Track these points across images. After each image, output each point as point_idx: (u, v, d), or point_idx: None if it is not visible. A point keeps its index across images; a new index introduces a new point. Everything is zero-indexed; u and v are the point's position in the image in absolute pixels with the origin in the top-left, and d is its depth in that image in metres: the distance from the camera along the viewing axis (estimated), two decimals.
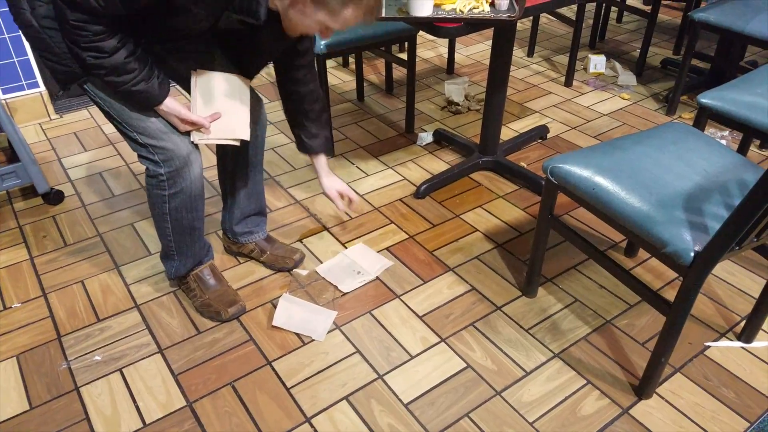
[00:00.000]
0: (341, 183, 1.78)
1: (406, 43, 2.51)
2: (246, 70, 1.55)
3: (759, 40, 2.38)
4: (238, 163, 1.75)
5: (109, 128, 2.70)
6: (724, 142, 2.58)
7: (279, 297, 1.81)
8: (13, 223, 2.16)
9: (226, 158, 1.75)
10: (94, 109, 2.89)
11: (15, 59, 2.59)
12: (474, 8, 1.67)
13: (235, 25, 1.36)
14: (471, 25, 1.68)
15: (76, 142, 2.67)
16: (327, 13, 1.25)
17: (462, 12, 1.66)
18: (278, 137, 2.68)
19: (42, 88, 2.74)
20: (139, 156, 1.49)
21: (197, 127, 1.48)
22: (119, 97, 1.41)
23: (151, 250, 2.02)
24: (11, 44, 2.53)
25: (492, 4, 1.68)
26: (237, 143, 1.54)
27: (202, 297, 1.75)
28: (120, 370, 1.61)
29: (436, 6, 1.68)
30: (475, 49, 3.57)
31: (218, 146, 1.76)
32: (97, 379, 1.58)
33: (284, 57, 1.58)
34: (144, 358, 1.64)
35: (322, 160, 1.76)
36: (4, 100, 2.67)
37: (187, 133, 1.50)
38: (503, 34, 2.14)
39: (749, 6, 2.55)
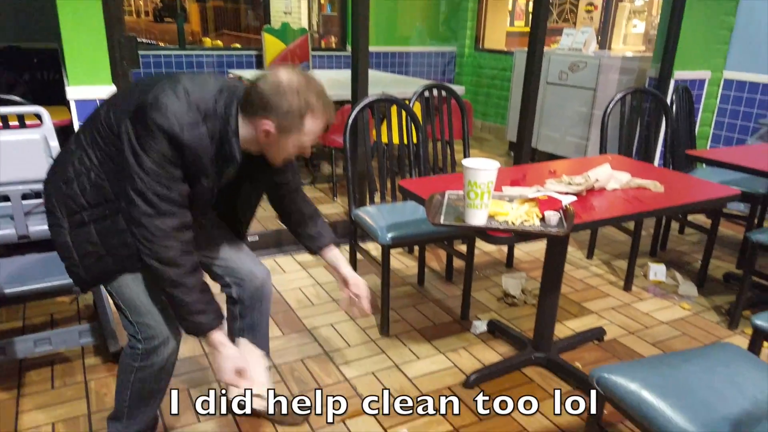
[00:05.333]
0: (364, 285, 1.85)
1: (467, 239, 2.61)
2: (239, 219, 1.84)
3: None
4: (246, 324, 1.94)
5: None
6: None
7: None
8: (80, 377, 2.24)
9: (237, 319, 1.93)
10: None
11: None
12: (525, 221, 1.74)
13: (230, 177, 1.59)
14: (521, 235, 1.74)
15: None
16: (294, 134, 1.46)
17: (513, 224, 1.72)
18: (337, 314, 2.77)
19: None
20: (127, 332, 1.63)
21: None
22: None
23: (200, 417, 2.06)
24: None
25: (542, 219, 1.75)
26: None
27: None
28: None
29: (490, 217, 1.75)
30: (536, 247, 3.57)
31: (228, 309, 1.91)
32: None
33: (270, 191, 1.82)
34: None
35: (335, 252, 1.88)
36: None
37: (171, 316, 1.60)
38: (556, 242, 2.23)
39: None
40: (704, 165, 3.75)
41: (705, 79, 4.34)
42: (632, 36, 6.99)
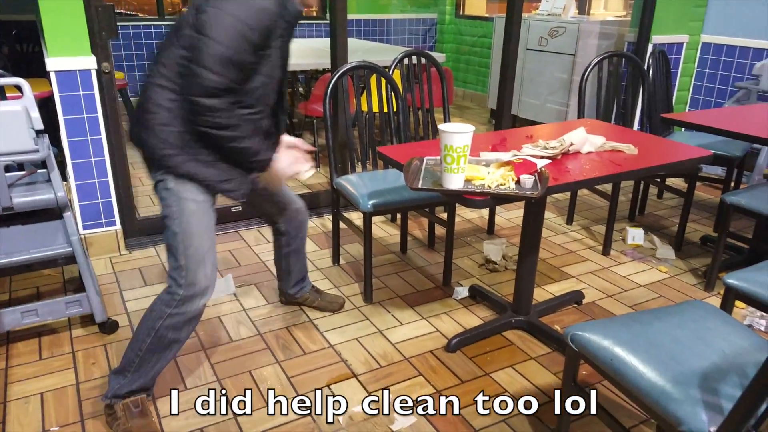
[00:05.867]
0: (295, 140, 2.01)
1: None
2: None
3: None
4: (292, 249, 2.29)
5: None
6: (764, 322, 2.49)
7: None
8: (68, 348, 2.28)
9: (285, 246, 2.28)
10: (161, 248, 3.02)
11: (99, 200, 2.89)
12: (500, 185, 1.78)
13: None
14: (497, 198, 1.78)
15: (138, 277, 2.84)
16: None
17: (489, 187, 1.76)
18: (322, 283, 2.80)
19: (118, 226, 2.98)
20: (169, 275, 1.71)
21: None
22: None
23: (187, 384, 2.11)
24: (99, 188, 2.85)
25: (518, 182, 1.79)
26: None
27: (125, 425, 1.77)
28: None
29: (467, 181, 1.79)
30: (516, 214, 3.64)
31: (276, 240, 2.26)
32: None
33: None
34: None
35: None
36: (84, 234, 2.91)
37: (215, 267, 1.74)
38: (533, 205, 2.27)
39: None
40: (683, 129, 3.80)
41: (683, 43, 4.37)
42: (613, 0, 6.96)
